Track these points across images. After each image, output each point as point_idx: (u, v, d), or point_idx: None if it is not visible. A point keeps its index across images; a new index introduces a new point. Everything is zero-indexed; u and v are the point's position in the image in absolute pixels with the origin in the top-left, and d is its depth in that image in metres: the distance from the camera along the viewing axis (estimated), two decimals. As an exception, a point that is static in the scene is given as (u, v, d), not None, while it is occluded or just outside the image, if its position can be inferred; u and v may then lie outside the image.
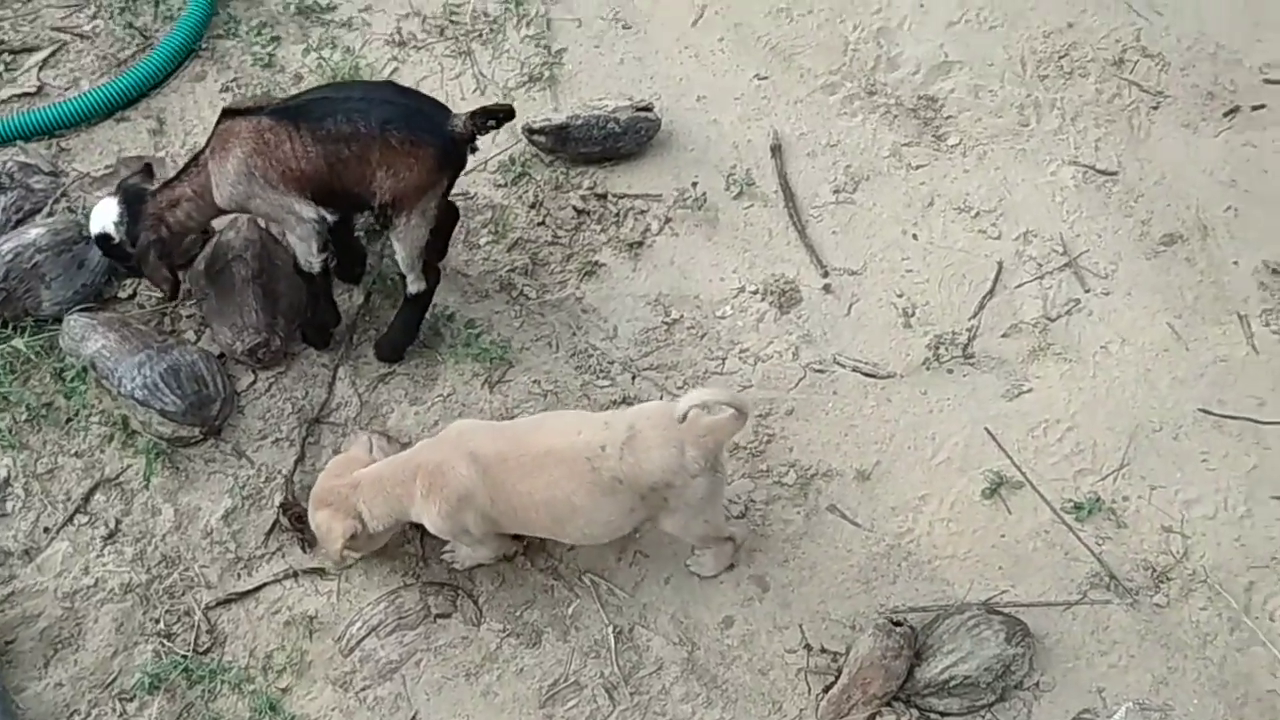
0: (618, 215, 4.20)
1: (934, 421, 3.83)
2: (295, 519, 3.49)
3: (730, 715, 3.33)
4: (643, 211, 4.22)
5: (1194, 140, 4.45)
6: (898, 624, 3.30)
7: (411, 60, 4.45)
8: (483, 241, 4.11)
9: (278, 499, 3.55)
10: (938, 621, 3.39)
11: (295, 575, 3.46)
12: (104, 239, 3.52)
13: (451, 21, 4.56)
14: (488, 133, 3.44)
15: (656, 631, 3.43)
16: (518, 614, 3.42)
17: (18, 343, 3.62)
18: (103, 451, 3.60)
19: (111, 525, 3.50)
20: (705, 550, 3.50)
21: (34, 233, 3.67)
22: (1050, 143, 4.42)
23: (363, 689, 3.29)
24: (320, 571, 3.47)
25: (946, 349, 3.95)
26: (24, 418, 3.61)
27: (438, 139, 3.33)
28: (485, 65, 4.46)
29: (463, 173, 4.13)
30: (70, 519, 3.50)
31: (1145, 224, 4.25)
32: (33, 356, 3.64)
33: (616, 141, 4.22)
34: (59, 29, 4.49)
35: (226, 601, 3.42)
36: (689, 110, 4.45)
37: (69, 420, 3.63)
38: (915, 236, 4.21)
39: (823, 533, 3.62)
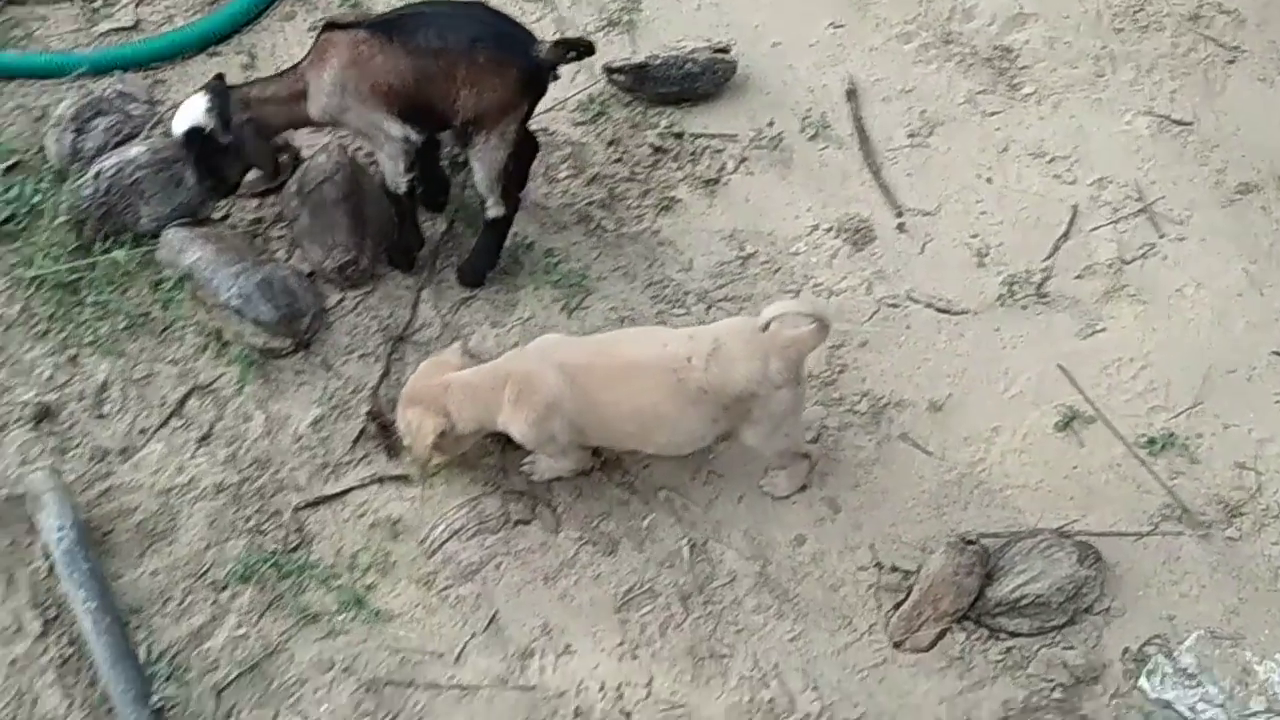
0: (694, 154, 4.27)
1: (1007, 357, 3.87)
2: (381, 427, 3.59)
3: (800, 628, 3.38)
4: (719, 151, 4.29)
5: (1269, 94, 4.47)
6: (970, 542, 3.34)
7: (493, 4, 4.55)
8: (561, 176, 4.20)
9: (364, 409, 3.65)
10: (1010, 545, 3.42)
11: (380, 481, 3.56)
12: (194, 134, 3.57)
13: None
14: (568, 63, 3.54)
15: (730, 546, 3.49)
16: (594, 524, 3.50)
17: (118, 254, 3.75)
18: (197, 360, 3.72)
19: (205, 429, 3.62)
20: (779, 470, 3.57)
21: (135, 150, 3.80)
22: (1126, 93, 4.45)
23: (444, 588, 3.38)
24: (404, 478, 3.56)
25: (1020, 288, 3.98)
26: (122, 326, 3.74)
27: (523, 61, 3.44)
28: (565, 9, 4.55)
29: (542, 108, 4.28)
30: (165, 422, 3.62)
31: (1220, 173, 4.27)
32: (132, 269, 3.77)
33: (694, 82, 4.30)
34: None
35: (315, 503, 3.53)
36: (764, 56, 4.52)
37: (165, 330, 3.75)
38: (989, 180, 4.26)
39: (894, 459, 3.67)
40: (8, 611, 3.30)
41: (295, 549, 3.45)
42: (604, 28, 4.51)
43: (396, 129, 3.53)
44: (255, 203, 4.00)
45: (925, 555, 3.46)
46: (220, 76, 3.73)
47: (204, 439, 3.61)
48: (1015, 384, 3.82)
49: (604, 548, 3.46)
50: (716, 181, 4.21)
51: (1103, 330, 3.92)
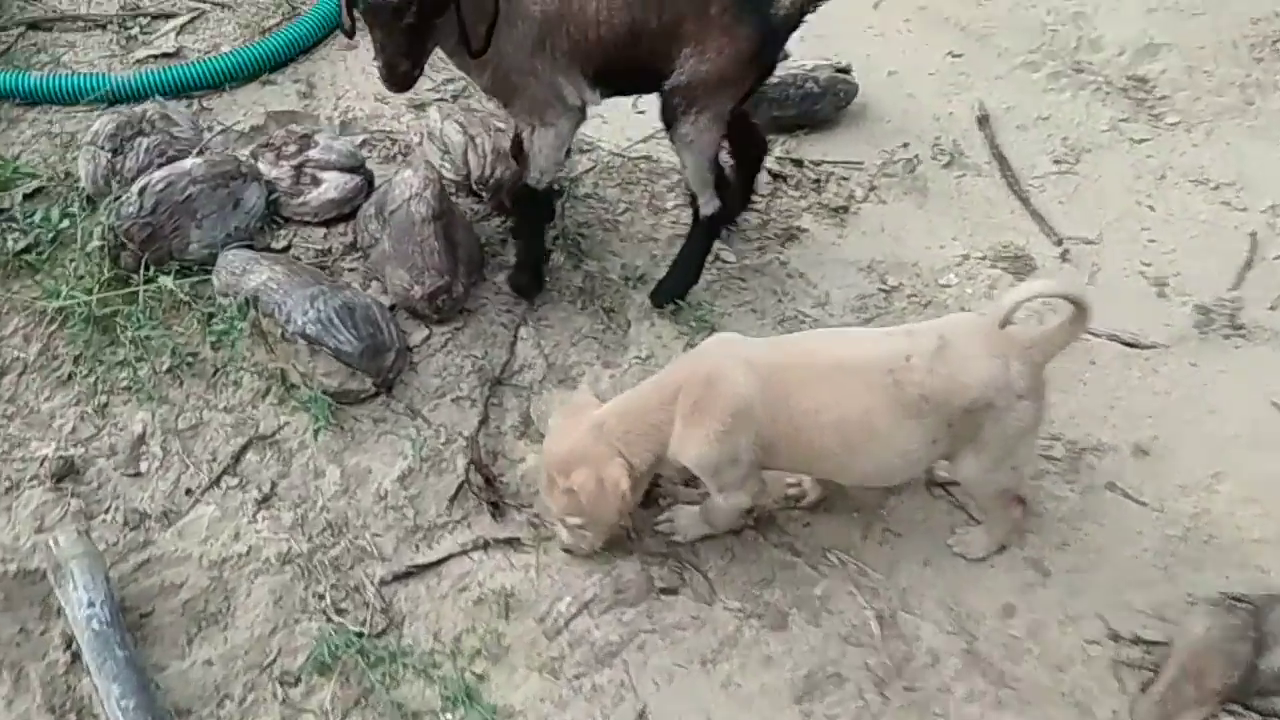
0: (817, 181, 3.76)
1: (1211, 394, 3.29)
2: (486, 481, 2.94)
3: (1026, 718, 2.69)
4: (845, 178, 3.78)
5: None
6: (1238, 600, 2.69)
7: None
8: (669, 205, 3.66)
9: (460, 461, 2.99)
10: (1269, 607, 2.77)
11: (485, 546, 2.88)
12: None
13: None
14: (803, 21, 2.97)
15: (924, 618, 2.82)
16: (756, 592, 2.82)
17: (165, 280, 3.13)
18: (255, 408, 3.07)
19: (266, 488, 2.95)
20: (971, 529, 2.93)
21: (189, 162, 3.23)
22: (1278, 122, 4.01)
23: (576, 676, 2.67)
24: (515, 542, 2.89)
25: (1212, 320, 3.44)
26: (165, 368, 3.10)
27: (760, 24, 2.86)
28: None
29: (641, 134, 3.80)
30: (217, 480, 2.95)
31: (1406, 198, 3.80)
32: (180, 300, 3.15)
33: (814, 103, 3.83)
34: (195, 6, 4.18)
35: (404, 576, 2.84)
36: (880, 85, 4.07)
37: (217, 373, 3.11)
38: (1151, 208, 3.76)
39: (1103, 512, 3.04)
40: (15, 718, 2.56)
41: (383, 632, 2.74)
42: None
43: (574, 97, 2.95)
44: (322, 232, 3.42)
45: (1165, 625, 2.80)
46: None
47: (265, 500, 2.94)
48: (1228, 424, 3.23)
49: (771, 621, 2.77)
50: (845, 210, 3.68)
51: (1314, 365, 3.37)
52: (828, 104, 3.85)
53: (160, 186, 3.17)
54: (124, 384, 3.07)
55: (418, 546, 2.90)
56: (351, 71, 3.98)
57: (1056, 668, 2.76)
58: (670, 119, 2.98)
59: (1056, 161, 3.88)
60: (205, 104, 3.81)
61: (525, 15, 2.85)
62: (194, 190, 3.19)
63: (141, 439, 3.00)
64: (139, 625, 2.69)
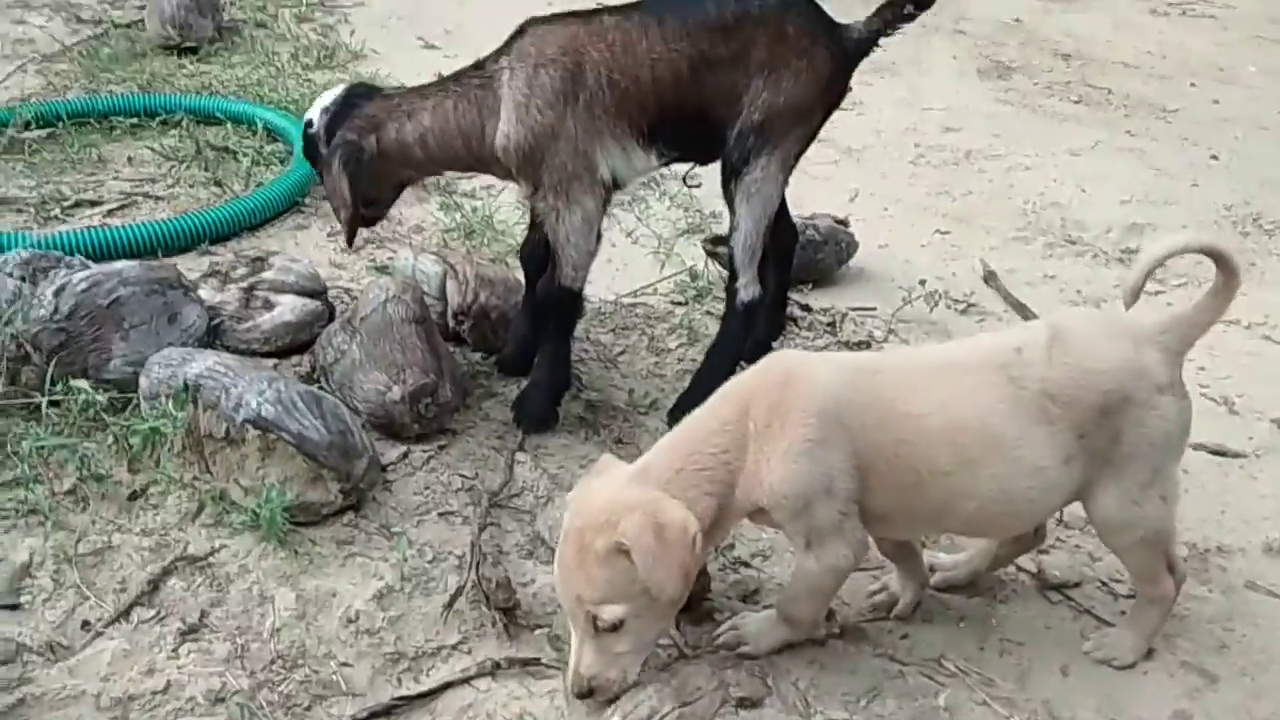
0: (830, 324, 3.41)
1: (1324, 498, 2.84)
2: (498, 588, 2.25)
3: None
4: (861, 322, 3.44)
5: None
6: None
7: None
8: (672, 346, 3.25)
9: (453, 581, 2.31)
10: None
11: (494, 671, 2.15)
12: (305, 129, 2.68)
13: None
14: (892, 32, 2.71)
15: (1084, 728, 2.13)
16: (862, 703, 2.11)
17: (81, 383, 2.53)
18: (182, 530, 2.38)
19: (193, 618, 2.21)
20: (1110, 630, 2.33)
21: (123, 264, 2.73)
22: (1290, 279, 3.88)
23: (639, 819, 1.89)
24: (532, 664, 2.16)
25: (1296, 431, 3.06)
26: (64, 489, 2.42)
27: (836, 44, 2.59)
28: (652, 212, 3.90)
29: (630, 286, 3.46)
30: (127, 612, 2.20)
31: None
32: (93, 414, 2.53)
33: (816, 252, 3.56)
34: (128, 193, 3.85)
35: (385, 713, 2.07)
36: (875, 253, 3.85)
37: (136, 496, 2.44)
38: (1190, 344, 3.47)
39: (1254, 612, 2.47)
40: None
41: (357, 783, 1.94)
42: (684, 233, 3.82)
43: (608, 166, 2.56)
44: (273, 363, 2.88)
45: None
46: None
47: (190, 631, 2.19)
48: (1355, 524, 2.75)
49: (892, 736, 2.06)
50: (868, 345, 3.30)
51: None
52: (829, 255, 3.58)
53: (82, 287, 2.64)
54: (9, 508, 2.37)
55: (400, 679, 2.15)
56: (304, 245, 3.60)
57: (1270, 779, 2.07)
58: (739, 166, 2.61)
59: (1074, 305, 3.62)
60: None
61: (547, 65, 2.53)
62: (124, 293, 2.67)
63: (26, 569, 2.27)
64: (0, 783, 1.86)
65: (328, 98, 2.68)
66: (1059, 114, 5.11)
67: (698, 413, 2.12)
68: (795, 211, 3.85)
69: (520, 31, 2.61)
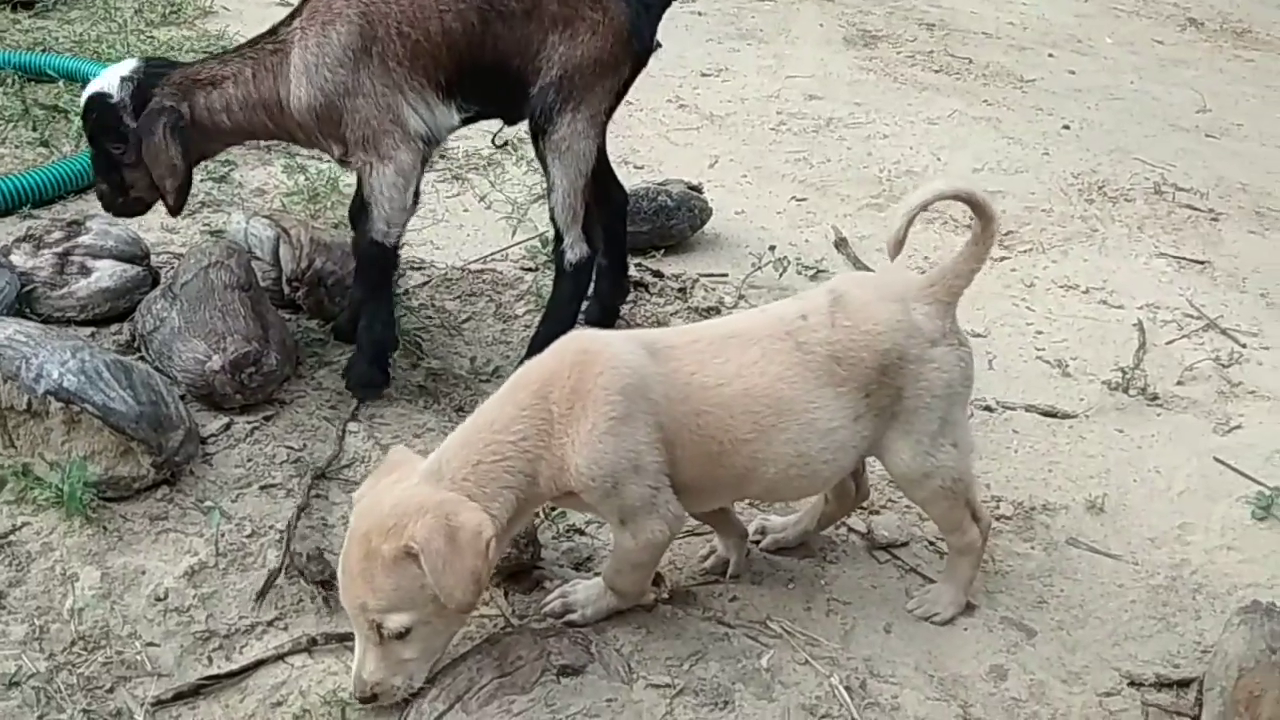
0: (681, 289, 3.40)
1: (1148, 456, 2.93)
2: (310, 560, 2.18)
3: (1059, 792, 2.02)
4: (711, 287, 3.43)
5: (1266, 242, 4.11)
6: (1274, 606, 2.17)
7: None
8: (520, 312, 3.20)
9: (273, 555, 2.24)
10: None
11: (310, 647, 2.09)
12: (97, 100, 2.50)
13: (443, 157, 3.94)
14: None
15: (903, 685, 2.16)
16: (685, 667, 2.11)
17: None
18: (-18, 509, 2.27)
19: (-10, 599, 2.10)
20: (931, 587, 2.36)
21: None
22: (1127, 243, 3.99)
23: (452, 790, 1.85)
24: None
25: (1126, 393, 3.14)
26: None
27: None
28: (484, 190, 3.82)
29: (479, 253, 3.41)
30: (-86, 594, 2.09)
31: (1264, 296, 3.73)
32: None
33: (669, 218, 3.53)
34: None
35: (191, 694, 2.00)
36: (730, 220, 3.85)
37: (-70, 475, 2.31)
38: (1030, 309, 3.56)
39: (1074, 568, 2.53)
40: None
41: (158, 766, 1.87)
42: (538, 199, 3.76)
43: (417, 122, 2.50)
44: (89, 331, 2.76)
45: (1180, 671, 2.25)
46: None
47: (-13, 613, 2.08)
48: (1175, 481, 2.84)
49: (710, 698, 2.05)
50: (716, 311, 3.30)
51: (1239, 427, 3.07)
52: (682, 220, 3.56)
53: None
54: None
55: (210, 658, 2.08)
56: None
57: (1078, 730, 2.13)
58: (544, 123, 2.59)
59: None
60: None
61: (337, 20, 2.47)
62: (-77, 254, 2.53)
63: None
64: None
65: (124, 67, 2.54)
66: (920, 83, 5.18)
67: (491, 401, 2.06)
68: (653, 177, 3.90)
69: None
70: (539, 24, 2.52)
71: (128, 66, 2.55)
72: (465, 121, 2.65)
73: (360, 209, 2.67)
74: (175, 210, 2.63)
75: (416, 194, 2.63)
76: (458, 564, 1.88)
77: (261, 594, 2.17)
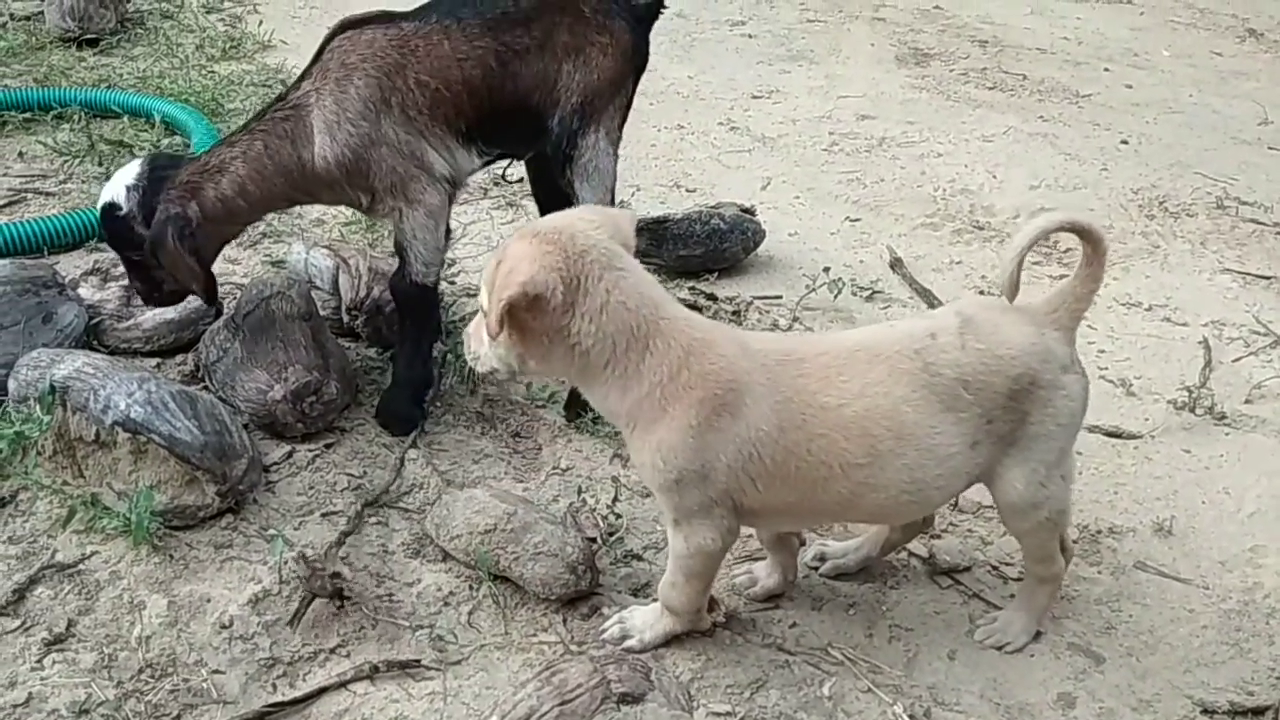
0: (736, 311, 3.39)
1: (1217, 477, 2.86)
2: (336, 595, 2.20)
3: (1133, 825, 1.97)
4: (766, 310, 3.42)
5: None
6: (1352, 631, 2.11)
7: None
8: (575, 338, 3.20)
9: (320, 569, 2.26)
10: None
11: (373, 675, 2.10)
12: (108, 213, 2.53)
13: (498, 184, 3.98)
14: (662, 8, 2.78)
15: (969, 713, 2.13)
16: (746, 695, 2.09)
17: (-59, 385, 2.44)
18: (51, 537, 2.31)
19: (60, 628, 2.14)
20: (999, 614, 2.33)
21: (-11, 261, 2.65)
22: (1190, 259, 3.92)
23: (513, 819, 1.85)
24: (413, 666, 2.12)
25: (1193, 412, 3.08)
26: (-75, 498, 2.34)
27: (629, 10, 2.64)
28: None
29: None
30: (-12, 622, 2.13)
31: (1336, 312, 3.65)
32: (-40, 417, 2.45)
33: (722, 241, 3.53)
34: (17, 189, 3.74)
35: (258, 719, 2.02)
36: (784, 242, 3.84)
37: (4, 504, 2.36)
38: (1092, 327, 3.48)
39: (1142, 593, 2.48)
40: None
41: (223, 792, 1.89)
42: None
43: (442, 165, 2.53)
44: (155, 362, 2.81)
45: (1252, 699, 2.19)
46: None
47: (56, 641, 2.12)
48: (1246, 502, 2.78)
49: (774, 727, 2.04)
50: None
51: (1311, 446, 3.00)
52: (735, 243, 3.56)
53: (-56, 283, 2.56)
54: None
55: (275, 685, 2.10)
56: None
57: (1150, 759, 2.08)
58: (569, 149, 2.63)
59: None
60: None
61: (354, 76, 2.50)
62: (-10, 291, 2.59)
63: (-118, 581, 2.19)
64: None
65: (128, 175, 2.56)
66: (974, 100, 5.14)
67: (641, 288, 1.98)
68: (705, 200, 3.90)
69: (322, 49, 2.58)
70: (553, 56, 2.57)
71: (133, 173, 2.56)
72: (485, 164, 2.69)
73: (396, 253, 2.70)
74: (210, 303, 2.68)
75: (448, 232, 2.66)
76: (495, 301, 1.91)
77: (295, 619, 2.18)
